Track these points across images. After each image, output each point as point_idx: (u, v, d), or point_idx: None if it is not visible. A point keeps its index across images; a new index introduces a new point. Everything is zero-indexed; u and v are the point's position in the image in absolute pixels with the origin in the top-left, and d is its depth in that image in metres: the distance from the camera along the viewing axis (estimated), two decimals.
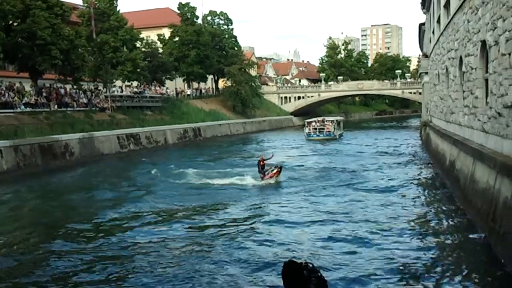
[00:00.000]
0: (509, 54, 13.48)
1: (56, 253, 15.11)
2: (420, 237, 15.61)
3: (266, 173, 27.23)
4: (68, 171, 34.54)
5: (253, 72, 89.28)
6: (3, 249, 15.85)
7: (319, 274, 4.80)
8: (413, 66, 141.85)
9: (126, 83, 58.13)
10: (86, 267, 13.73)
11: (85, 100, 47.26)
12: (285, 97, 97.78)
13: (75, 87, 47.88)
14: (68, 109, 43.78)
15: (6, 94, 38.86)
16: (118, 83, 58.31)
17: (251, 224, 18.40)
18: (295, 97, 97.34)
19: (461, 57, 22.53)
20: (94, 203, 23.53)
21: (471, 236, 14.74)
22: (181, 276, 12.69)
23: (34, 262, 14.39)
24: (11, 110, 37.88)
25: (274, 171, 27.16)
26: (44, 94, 42.87)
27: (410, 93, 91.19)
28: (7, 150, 32.45)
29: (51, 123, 39.20)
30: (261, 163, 27.62)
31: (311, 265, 4.94)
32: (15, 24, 40.17)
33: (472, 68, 19.40)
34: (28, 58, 40.46)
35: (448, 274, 12.28)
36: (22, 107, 39.18)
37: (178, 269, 13.23)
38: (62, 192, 26.91)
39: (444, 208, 19.06)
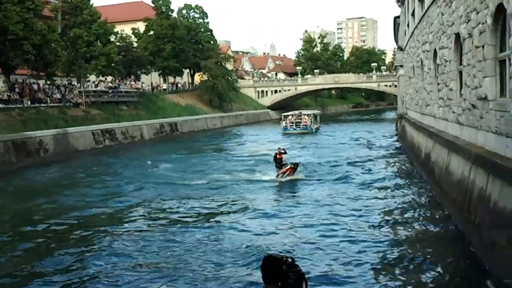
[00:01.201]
0: (483, 46, 13.64)
1: (32, 253, 14.96)
2: (396, 228, 15.80)
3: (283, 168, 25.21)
4: (43, 168, 33.92)
5: (229, 66, 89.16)
6: None
7: (298, 268, 4.81)
8: (388, 59, 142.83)
9: (101, 78, 57.46)
10: (63, 266, 13.57)
11: (58, 96, 46.54)
12: (262, 91, 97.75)
13: (48, 82, 47.24)
14: (42, 105, 43.04)
15: None
16: (92, 78, 57.63)
17: (230, 215, 18.81)
18: (272, 91, 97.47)
19: (435, 50, 22.78)
20: (71, 200, 23.13)
21: (446, 227, 14.97)
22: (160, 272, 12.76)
23: (10, 262, 14.23)
24: None
25: (288, 166, 25.18)
26: (17, 90, 42.05)
27: (386, 86, 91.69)
28: None
29: (25, 119, 38.63)
30: (278, 156, 25.75)
31: (290, 260, 4.94)
32: None
33: (447, 61, 19.61)
34: (0, 53, 39.73)
35: (422, 264, 12.45)
36: None
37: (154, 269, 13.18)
38: (37, 190, 26.43)
39: (420, 200, 19.28)
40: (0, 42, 39.11)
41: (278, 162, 25.56)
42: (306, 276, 4.29)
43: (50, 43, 43.34)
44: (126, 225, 18.13)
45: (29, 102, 41.81)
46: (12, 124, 36.94)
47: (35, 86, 44.99)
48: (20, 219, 19.67)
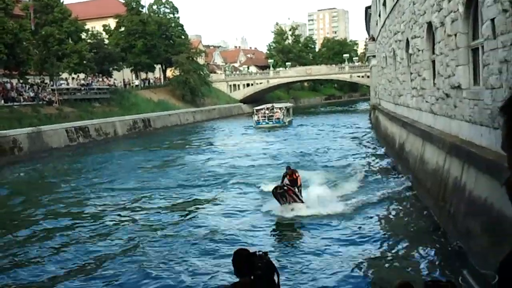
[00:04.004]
0: (455, 35, 13.64)
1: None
2: (370, 220, 15.88)
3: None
4: (18, 167, 33.86)
5: (201, 60, 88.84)
6: None
7: (268, 260, 5.16)
8: (360, 49, 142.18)
9: (73, 75, 56.92)
10: (43, 260, 13.84)
11: (31, 94, 46.16)
12: (234, 85, 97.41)
13: (21, 81, 46.87)
14: (15, 103, 42.73)
15: None
16: (65, 75, 57.06)
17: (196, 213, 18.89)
18: (244, 85, 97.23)
19: (407, 39, 22.73)
20: (48, 198, 23.22)
21: (421, 216, 15.17)
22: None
23: None
24: None
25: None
26: None
27: (358, 76, 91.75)
28: None
29: None
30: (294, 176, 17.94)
31: (260, 252, 5.32)
32: None
33: (419, 50, 19.56)
34: None
35: (397, 255, 12.60)
36: None
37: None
38: (13, 188, 26.58)
39: (394, 190, 19.07)
40: None
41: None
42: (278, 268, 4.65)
43: (22, 42, 43.11)
44: (97, 218, 18.73)
45: (2, 101, 41.49)
46: None
47: (8, 85, 44.58)
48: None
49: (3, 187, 26.99)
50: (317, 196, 17.97)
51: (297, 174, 17.82)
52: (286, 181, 17.43)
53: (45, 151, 39.86)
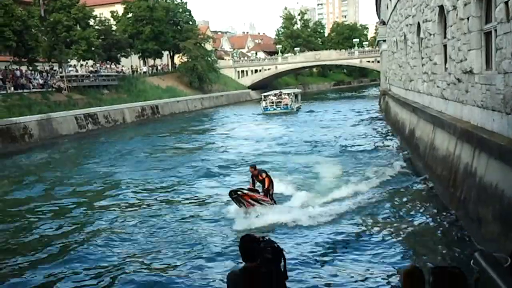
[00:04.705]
0: (467, 18, 13.39)
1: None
2: (381, 205, 15.71)
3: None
4: (28, 154, 34.16)
5: (208, 46, 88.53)
6: None
7: (276, 244, 5.20)
8: (370, 34, 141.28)
9: (81, 62, 57.07)
10: (52, 250, 13.82)
11: (41, 81, 46.32)
12: (242, 71, 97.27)
13: (30, 68, 47.02)
14: (25, 90, 42.91)
15: None
16: (73, 62, 57.22)
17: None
18: (252, 71, 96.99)
19: (419, 23, 22.49)
20: (61, 184, 23.40)
21: (431, 203, 15.08)
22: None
23: None
24: None
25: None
26: None
27: (368, 61, 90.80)
28: None
29: (8, 105, 38.59)
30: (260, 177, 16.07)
31: (267, 238, 5.35)
32: None
33: (431, 34, 19.27)
34: None
35: (408, 240, 12.56)
36: None
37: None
38: (25, 174, 26.74)
39: (404, 177, 19.01)
40: None
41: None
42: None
43: (30, 29, 43.18)
44: (108, 204, 18.86)
45: (12, 88, 41.69)
46: None
47: (18, 72, 44.80)
48: (11, 203, 20.02)
49: (15, 173, 27.30)
50: (306, 195, 17.30)
51: (263, 175, 15.69)
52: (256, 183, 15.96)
53: (55, 138, 40.15)
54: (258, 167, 16.37)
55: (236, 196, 14.76)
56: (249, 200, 14.79)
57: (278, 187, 17.64)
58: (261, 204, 14.98)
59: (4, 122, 35.68)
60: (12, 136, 36.21)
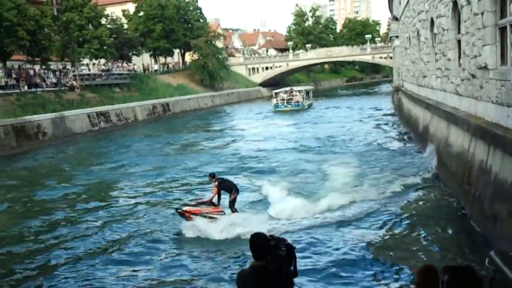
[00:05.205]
0: (482, 13, 13.27)
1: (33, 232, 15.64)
2: (394, 203, 15.67)
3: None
4: (42, 152, 34.60)
5: (219, 44, 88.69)
6: None
7: (287, 241, 5.21)
8: (383, 30, 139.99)
9: (94, 61, 57.48)
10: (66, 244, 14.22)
11: (54, 80, 46.71)
12: (253, 68, 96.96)
13: (43, 67, 47.56)
14: (38, 89, 43.31)
15: None
16: (86, 61, 57.64)
17: None
18: (263, 68, 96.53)
19: (432, 19, 22.32)
20: (77, 180, 23.79)
21: (445, 200, 15.05)
22: None
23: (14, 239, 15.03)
24: None
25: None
26: (13, 75, 42.31)
27: (381, 58, 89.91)
28: None
29: (22, 104, 38.98)
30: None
31: (276, 236, 5.38)
32: None
33: (444, 30, 19.13)
34: None
35: (421, 237, 12.53)
36: None
37: None
38: (40, 172, 27.21)
39: (418, 174, 18.79)
40: None
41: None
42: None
43: (43, 29, 43.75)
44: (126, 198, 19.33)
45: (26, 87, 42.06)
46: (11, 109, 37.36)
47: (31, 71, 45.18)
48: (25, 201, 20.33)
49: (28, 170, 27.67)
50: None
51: (216, 184, 14.98)
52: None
53: (68, 136, 40.48)
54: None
55: (180, 213, 14.51)
56: (190, 215, 14.35)
57: (271, 190, 17.85)
58: (204, 217, 14.31)
59: (18, 121, 36.03)
60: (27, 134, 36.56)
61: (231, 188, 15.01)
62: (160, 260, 12.61)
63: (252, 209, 16.06)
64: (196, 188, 20.50)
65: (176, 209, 14.88)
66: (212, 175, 15.31)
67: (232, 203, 14.97)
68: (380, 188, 17.26)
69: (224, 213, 14.67)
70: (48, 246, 14.08)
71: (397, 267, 10.89)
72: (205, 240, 13.60)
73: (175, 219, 15.19)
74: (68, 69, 51.56)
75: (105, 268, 12.16)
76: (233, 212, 14.85)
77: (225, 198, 15.25)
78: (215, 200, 14.93)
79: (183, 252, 13.11)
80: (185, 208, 14.61)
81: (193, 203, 15.23)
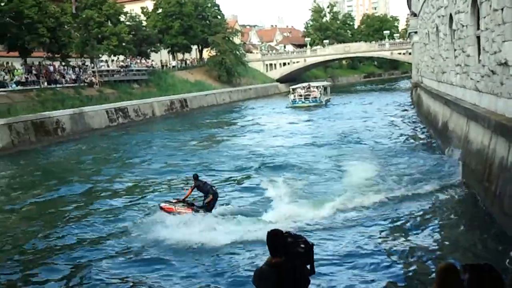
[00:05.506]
0: (502, 9, 13.10)
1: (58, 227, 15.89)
2: (414, 199, 15.57)
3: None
4: (62, 147, 35.06)
5: (237, 40, 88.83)
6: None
7: (304, 238, 5.15)
8: (401, 25, 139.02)
9: (112, 57, 57.97)
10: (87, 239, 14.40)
11: (73, 76, 47.36)
12: (270, 64, 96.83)
13: (63, 63, 48.13)
14: (58, 85, 43.95)
15: None
16: (105, 57, 58.13)
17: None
18: (280, 64, 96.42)
19: (451, 15, 22.12)
20: (95, 175, 24.08)
21: (464, 196, 14.96)
22: None
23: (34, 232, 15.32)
24: (3, 89, 38.23)
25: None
26: (34, 72, 42.95)
27: (399, 53, 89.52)
28: (2, 128, 32.93)
29: (42, 100, 39.60)
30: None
31: (293, 232, 5.29)
32: (2, 4, 39.96)
33: (463, 26, 18.95)
34: (16, 37, 40.52)
35: (441, 234, 12.50)
36: (13, 85, 39.47)
37: None
38: (60, 167, 27.65)
39: (437, 171, 18.75)
40: (17, 27, 39.75)
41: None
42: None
43: (63, 26, 44.20)
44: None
45: (45, 83, 42.73)
46: (31, 105, 37.96)
47: (51, 68, 45.85)
48: (48, 195, 20.56)
49: (49, 165, 28.12)
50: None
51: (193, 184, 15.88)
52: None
53: (86, 132, 40.94)
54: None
55: (160, 207, 15.42)
56: (166, 211, 15.20)
57: (275, 192, 17.61)
58: (174, 214, 14.96)
59: (37, 116, 36.57)
60: (46, 129, 37.07)
61: (207, 191, 15.49)
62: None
63: (250, 211, 16.05)
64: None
65: (158, 204, 15.83)
66: (194, 176, 15.87)
67: (208, 206, 15.43)
68: (398, 186, 17.12)
69: (193, 213, 15.03)
70: (68, 243, 14.24)
71: (415, 266, 10.84)
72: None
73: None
74: (87, 66, 52.18)
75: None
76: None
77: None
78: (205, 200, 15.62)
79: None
80: (162, 205, 15.51)
81: (174, 200, 15.75)
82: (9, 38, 40.85)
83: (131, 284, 11.11)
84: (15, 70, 41.37)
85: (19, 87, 39.63)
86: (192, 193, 15.87)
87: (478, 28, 16.89)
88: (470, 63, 18.27)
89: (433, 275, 8.84)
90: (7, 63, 42.06)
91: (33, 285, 11.52)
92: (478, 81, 16.72)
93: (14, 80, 39.94)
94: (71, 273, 11.89)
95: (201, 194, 15.81)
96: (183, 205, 15.34)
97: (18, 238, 14.87)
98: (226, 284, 10.75)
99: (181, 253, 12.50)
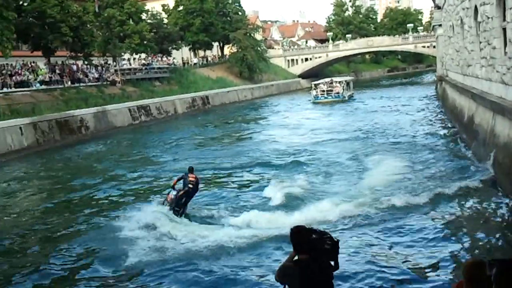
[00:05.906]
0: None
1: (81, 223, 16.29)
2: (439, 194, 15.30)
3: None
4: (86, 145, 35.53)
5: (258, 36, 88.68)
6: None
7: (330, 235, 5.29)
8: (425, 18, 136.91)
9: (134, 55, 58.55)
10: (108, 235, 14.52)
11: (96, 75, 48.00)
12: (292, 60, 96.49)
13: (86, 62, 48.85)
14: (81, 84, 44.65)
15: (22, 73, 39.81)
16: (127, 56, 58.73)
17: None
18: (302, 59, 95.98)
19: (476, 7, 21.68)
20: (120, 172, 24.48)
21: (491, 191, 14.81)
22: None
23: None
24: (27, 89, 38.87)
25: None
26: (57, 71, 43.68)
27: (424, 47, 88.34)
28: (27, 127, 33.48)
29: (66, 99, 40.26)
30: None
31: (318, 229, 5.39)
32: (25, 4, 40.82)
33: (489, 17, 18.55)
34: (40, 37, 41.44)
35: (468, 231, 12.32)
36: (38, 85, 40.11)
37: None
38: (85, 164, 28.15)
39: (463, 165, 18.63)
40: (40, 26, 40.57)
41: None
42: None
43: (85, 25, 45.01)
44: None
45: (69, 82, 43.42)
46: (55, 104, 38.61)
47: (74, 67, 46.56)
48: (74, 190, 21.05)
49: (74, 162, 28.81)
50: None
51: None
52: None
53: (109, 130, 41.49)
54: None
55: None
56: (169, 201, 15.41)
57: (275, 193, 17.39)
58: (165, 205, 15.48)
59: (62, 115, 37.25)
60: (70, 128, 37.74)
61: (184, 185, 15.38)
62: None
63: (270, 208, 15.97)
64: (236, 179, 20.98)
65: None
66: (189, 169, 15.94)
67: (179, 200, 15.29)
68: (424, 184, 16.88)
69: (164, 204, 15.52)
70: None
71: (442, 262, 10.82)
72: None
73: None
74: (109, 64, 52.85)
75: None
76: (170, 210, 15.20)
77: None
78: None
79: None
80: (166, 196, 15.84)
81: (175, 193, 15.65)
82: (32, 38, 41.80)
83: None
84: (39, 70, 42.08)
85: (43, 87, 40.31)
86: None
87: (504, 20, 16.59)
88: (496, 56, 17.92)
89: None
90: (31, 62, 42.77)
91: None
92: (504, 74, 16.42)
93: (38, 80, 40.62)
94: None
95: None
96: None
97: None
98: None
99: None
